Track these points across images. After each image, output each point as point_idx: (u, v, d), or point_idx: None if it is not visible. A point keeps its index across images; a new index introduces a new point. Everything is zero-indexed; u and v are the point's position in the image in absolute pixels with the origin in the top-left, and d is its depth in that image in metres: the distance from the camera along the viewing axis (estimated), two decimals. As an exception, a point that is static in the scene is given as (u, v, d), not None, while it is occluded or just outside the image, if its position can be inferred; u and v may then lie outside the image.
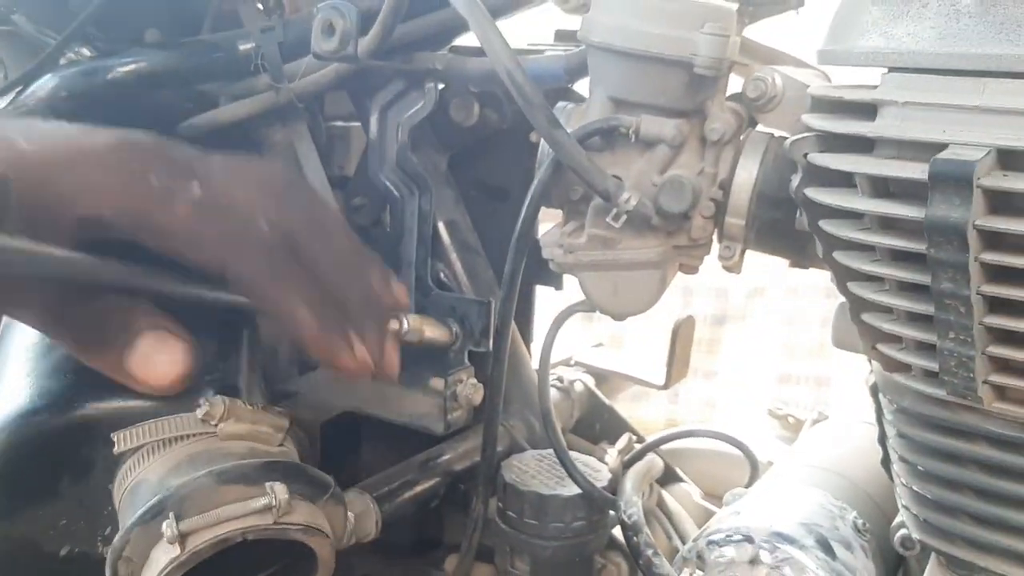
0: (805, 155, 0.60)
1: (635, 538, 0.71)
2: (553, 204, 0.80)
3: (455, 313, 0.88)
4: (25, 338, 0.71)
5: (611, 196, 0.72)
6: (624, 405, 2.47)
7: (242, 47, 0.93)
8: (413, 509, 0.81)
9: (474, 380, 0.84)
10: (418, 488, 0.81)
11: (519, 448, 0.90)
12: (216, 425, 0.63)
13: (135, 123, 1.05)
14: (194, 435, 0.63)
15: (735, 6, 0.73)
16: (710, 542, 0.68)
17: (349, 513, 0.70)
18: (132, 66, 0.93)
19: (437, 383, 0.84)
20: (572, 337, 1.38)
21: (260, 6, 1.01)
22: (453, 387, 0.82)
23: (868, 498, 0.76)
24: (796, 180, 0.62)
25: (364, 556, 0.92)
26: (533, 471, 0.82)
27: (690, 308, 2.72)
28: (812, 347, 2.70)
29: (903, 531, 0.68)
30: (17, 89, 0.93)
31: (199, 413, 0.62)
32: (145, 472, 0.61)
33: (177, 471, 0.60)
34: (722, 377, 2.79)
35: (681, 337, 1.01)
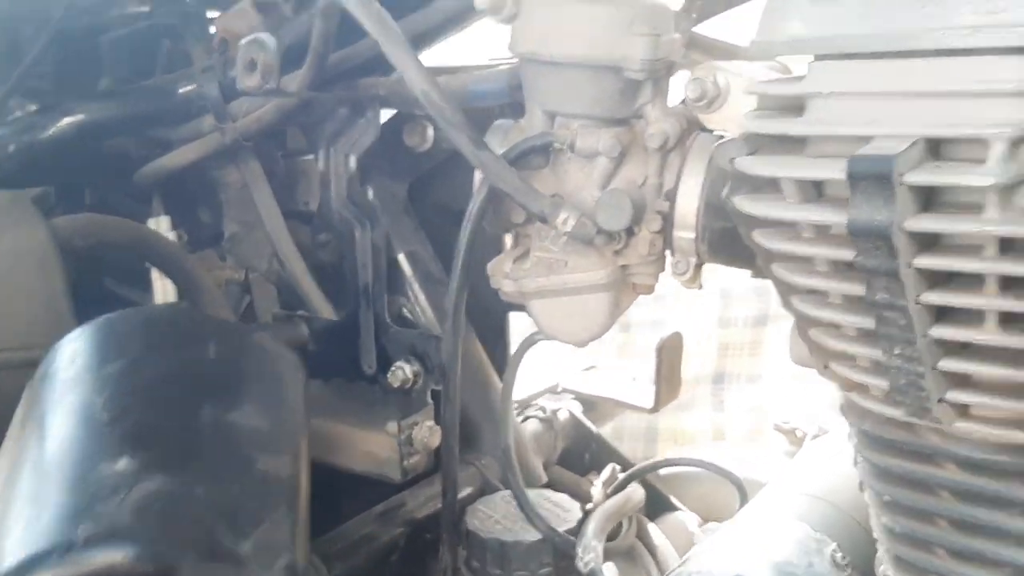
0: (732, 160, 0.55)
1: (591, 587, 0.66)
2: (497, 229, 0.75)
3: (415, 350, 0.84)
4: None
5: (547, 217, 0.67)
6: (668, 416, 2.41)
7: (182, 90, 0.90)
8: (371, 565, 0.76)
9: (430, 422, 0.79)
10: (376, 542, 0.77)
11: (492, 488, 0.85)
12: None
13: (87, 174, 1.04)
14: None
15: (673, 3, 0.68)
16: (674, 587, 0.62)
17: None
18: (74, 118, 0.91)
19: (392, 428, 0.79)
20: (585, 357, 1.33)
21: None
22: (408, 431, 0.78)
23: (856, 526, 0.69)
24: (726, 189, 0.56)
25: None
26: (500, 515, 0.77)
27: (729, 310, 2.63)
28: (859, 343, 2.57)
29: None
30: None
31: None
32: None
33: None
34: (768, 380, 2.69)
35: (666, 356, 0.95)
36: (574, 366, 1.15)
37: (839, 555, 0.65)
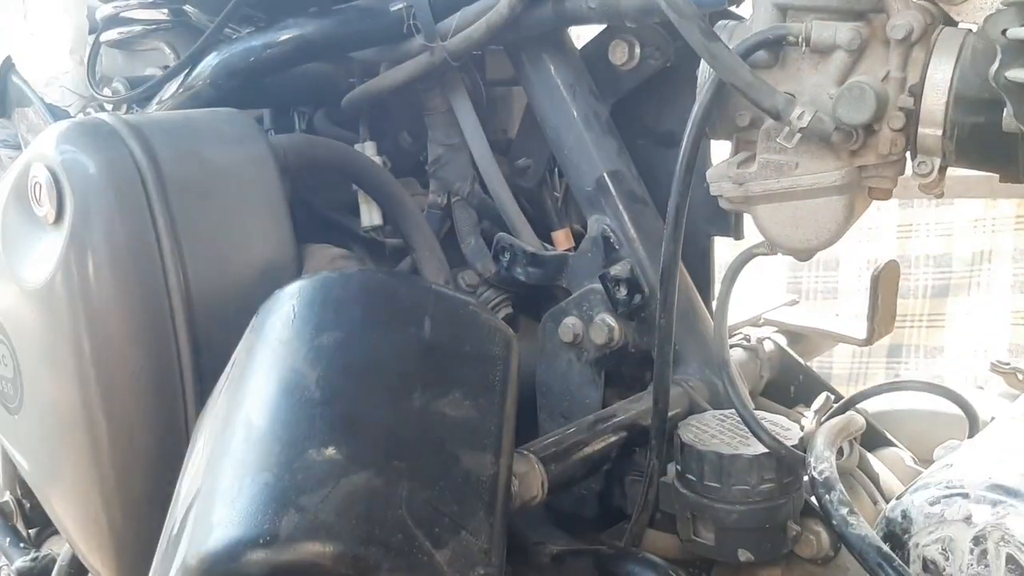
0: (1004, 32, 0.51)
1: (826, 496, 0.63)
2: (720, 134, 0.73)
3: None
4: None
5: (781, 113, 0.65)
6: (840, 387, 2.33)
7: (393, 8, 0.91)
8: (584, 471, 0.76)
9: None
10: (588, 449, 0.76)
11: (700, 409, 0.83)
12: None
13: (298, 98, 1.07)
14: None
15: None
16: (918, 498, 0.59)
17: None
18: (287, 36, 0.93)
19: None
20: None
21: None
22: None
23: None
24: (995, 65, 0.52)
25: (546, 526, 0.88)
26: (714, 431, 0.75)
27: (907, 280, 2.50)
28: (1048, 312, 2.41)
29: None
30: (184, 71, 0.95)
31: None
32: None
33: None
34: (948, 353, 2.56)
35: (884, 286, 0.90)
36: (775, 302, 1.12)
37: (1105, 472, 0.60)
